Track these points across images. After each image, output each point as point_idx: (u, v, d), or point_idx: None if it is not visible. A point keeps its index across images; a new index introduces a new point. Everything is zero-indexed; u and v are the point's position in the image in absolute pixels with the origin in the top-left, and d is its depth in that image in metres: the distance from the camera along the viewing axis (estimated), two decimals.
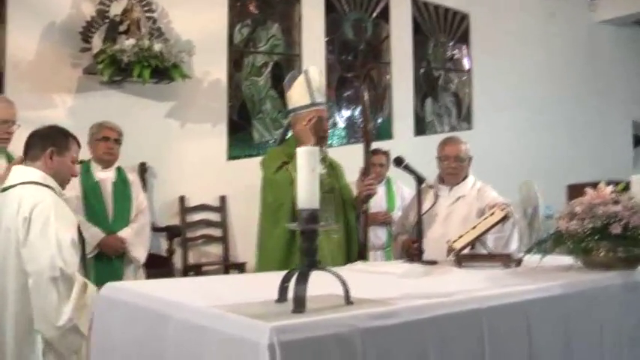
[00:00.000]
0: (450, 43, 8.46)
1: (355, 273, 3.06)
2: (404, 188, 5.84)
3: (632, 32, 10.02)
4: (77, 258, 3.14)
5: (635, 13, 9.32)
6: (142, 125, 6.17)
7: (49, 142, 3.28)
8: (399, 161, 3.87)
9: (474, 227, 3.47)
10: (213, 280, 3.32)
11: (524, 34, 8.74)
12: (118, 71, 5.88)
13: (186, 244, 6.61)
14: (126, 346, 2.41)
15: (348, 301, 2.10)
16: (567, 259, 3.09)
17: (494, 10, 8.55)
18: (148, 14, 6.26)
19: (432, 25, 8.28)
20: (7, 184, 3.30)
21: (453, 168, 4.17)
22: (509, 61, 8.58)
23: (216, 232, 6.81)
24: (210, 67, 6.78)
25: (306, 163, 2.07)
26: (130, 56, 5.76)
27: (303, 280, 2.01)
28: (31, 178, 3.21)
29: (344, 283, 2.10)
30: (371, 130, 3.94)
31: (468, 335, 2.22)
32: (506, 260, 3.32)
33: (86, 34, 6.06)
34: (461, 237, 3.43)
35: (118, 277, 4.61)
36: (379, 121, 7.88)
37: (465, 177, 4.24)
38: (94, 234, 4.57)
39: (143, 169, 6.33)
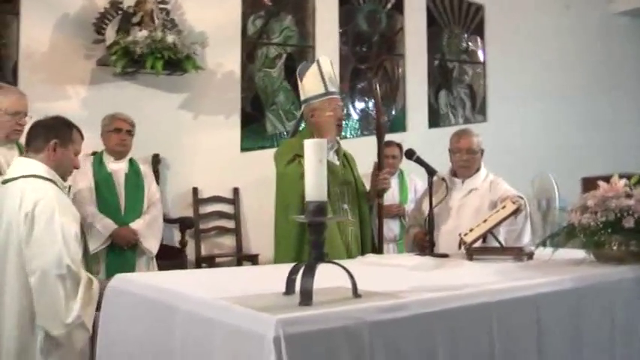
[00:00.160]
0: (465, 35, 8.39)
1: (366, 266, 3.06)
2: (417, 181, 5.82)
3: None
4: (81, 253, 3.12)
5: None
6: (155, 117, 6.18)
7: (53, 134, 3.23)
8: (410, 154, 3.87)
9: (486, 220, 3.45)
10: (223, 272, 3.33)
11: (540, 25, 8.66)
12: (131, 63, 5.88)
13: (199, 236, 6.62)
14: (133, 337, 2.42)
15: (356, 294, 2.10)
16: (580, 253, 3.07)
17: (510, 1, 8.46)
18: (161, 6, 6.24)
19: (446, 16, 8.22)
20: (8, 176, 3.25)
21: (465, 160, 4.14)
22: (525, 52, 8.50)
23: (229, 224, 6.82)
24: (223, 58, 6.77)
25: (313, 155, 2.06)
26: (142, 48, 5.76)
27: (310, 272, 2.00)
28: (34, 171, 3.15)
29: (351, 276, 2.09)
30: (384, 123, 3.91)
31: (477, 328, 2.21)
32: (518, 253, 3.30)
33: (99, 26, 6.05)
34: (472, 230, 3.41)
35: (131, 268, 4.61)
36: (393, 113, 7.84)
37: (478, 169, 4.21)
38: (107, 225, 4.58)
39: (156, 161, 6.34)
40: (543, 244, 3.19)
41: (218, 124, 6.75)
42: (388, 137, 5.91)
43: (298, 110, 4.78)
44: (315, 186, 2.06)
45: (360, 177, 4.10)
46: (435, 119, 8.10)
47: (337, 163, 3.90)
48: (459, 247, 3.46)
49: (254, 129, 7.02)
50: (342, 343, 1.87)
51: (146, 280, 2.61)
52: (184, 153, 6.54)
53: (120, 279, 2.68)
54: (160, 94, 6.40)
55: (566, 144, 8.56)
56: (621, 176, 3.16)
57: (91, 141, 4.95)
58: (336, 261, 2.16)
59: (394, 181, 5.75)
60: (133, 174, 4.87)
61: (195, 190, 6.63)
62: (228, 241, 6.82)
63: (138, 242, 4.68)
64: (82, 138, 3.40)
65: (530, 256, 3.26)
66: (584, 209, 3.03)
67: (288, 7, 7.24)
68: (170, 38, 5.90)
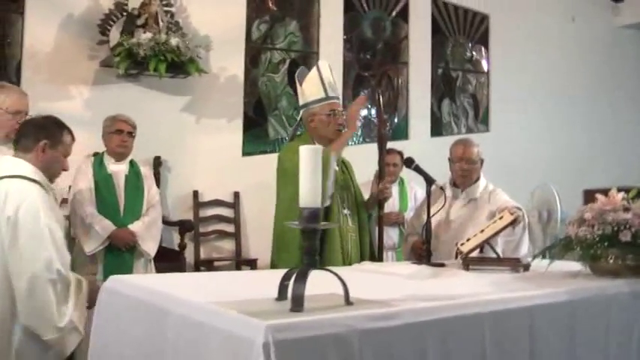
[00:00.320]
0: (469, 44, 8.39)
1: (361, 273, 3.07)
2: (417, 189, 5.82)
3: None
4: (69, 255, 3.07)
5: None
6: (157, 119, 6.20)
7: (43, 134, 3.16)
8: (409, 162, 3.87)
9: (482, 230, 3.44)
10: (218, 275, 3.32)
11: (545, 37, 8.66)
12: (134, 64, 5.90)
13: (199, 239, 6.62)
14: (126, 339, 2.42)
15: (347, 301, 2.09)
16: (576, 265, 3.05)
17: (515, 12, 8.47)
18: (166, 8, 6.27)
19: (451, 25, 8.23)
20: None
21: (465, 170, 4.13)
22: (529, 63, 8.50)
23: (229, 228, 6.82)
24: (227, 62, 6.78)
25: (308, 161, 2.06)
26: (146, 50, 5.78)
27: (302, 279, 2.00)
28: (20, 172, 3.05)
29: (344, 283, 2.09)
30: (385, 133, 3.90)
31: (469, 339, 2.20)
32: (515, 264, 3.29)
33: (104, 27, 6.08)
34: (469, 240, 3.40)
35: (128, 270, 4.61)
36: (395, 120, 7.85)
37: (477, 179, 4.20)
38: (105, 226, 4.58)
39: (158, 163, 6.35)
40: (543, 255, 3.18)
41: (220, 127, 6.76)
42: (390, 145, 5.91)
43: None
44: (309, 192, 2.06)
45: (358, 185, 4.09)
46: (438, 128, 8.10)
47: (336, 168, 3.89)
48: (456, 256, 3.45)
49: (256, 133, 7.03)
50: (332, 350, 1.87)
51: (140, 282, 2.61)
52: (186, 156, 6.55)
53: (114, 280, 2.68)
54: (163, 96, 6.41)
55: (569, 155, 8.56)
56: (620, 189, 3.15)
57: (93, 142, 5.00)
58: (329, 268, 2.15)
59: (394, 189, 5.74)
60: (133, 176, 4.87)
61: (195, 194, 6.64)
62: (227, 245, 6.83)
63: (136, 244, 4.68)
64: (73, 139, 3.31)
65: (527, 267, 3.25)
66: (582, 222, 3.02)
67: (293, 12, 7.25)
68: (174, 41, 5.92)
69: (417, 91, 7.96)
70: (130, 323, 2.41)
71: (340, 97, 4.34)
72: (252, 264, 6.58)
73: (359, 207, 3.98)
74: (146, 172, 5.01)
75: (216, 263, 6.54)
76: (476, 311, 2.23)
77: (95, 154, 4.88)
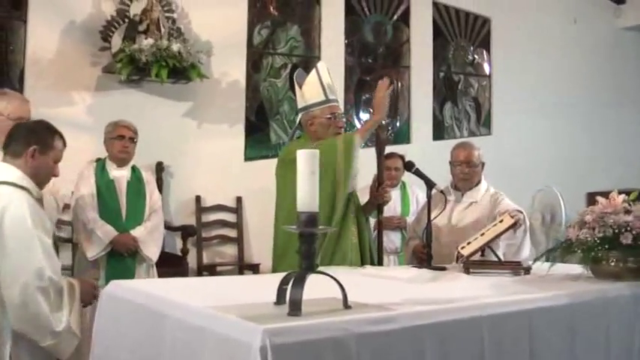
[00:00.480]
0: (471, 48, 8.41)
1: (362, 277, 3.07)
2: (419, 193, 5.80)
3: None
4: (59, 262, 2.98)
5: None
6: (159, 124, 6.21)
7: (33, 139, 3.04)
8: (409, 166, 3.87)
9: (483, 234, 3.44)
10: (218, 280, 3.32)
11: (546, 39, 8.66)
12: (136, 70, 5.93)
13: (201, 244, 6.63)
14: (126, 343, 2.43)
15: (346, 305, 2.09)
16: (578, 269, 3.05)
17: (517, 15, 8.48)
18: (167, 14, 6.29)
19: (452, 28, 8.24)
20: None
21: (466, 173, 4.13)
22: (531, 66, 8.50)
23: (232, 233, 6.83)
24: (228, 67, 6.80)
25: (305, 165, 2.06)
26: (147, 56, 5.80)
27: (299, 283, 2.00)
28: (7, 178, 2.95)
29: (342, 287, 2.09)
30: (384, 138, 3.88)
31: (467, 343, 2.19)
32: (516, 268, 3.29)
33: (106, 33, 6.10)
34: (469, 243, 3.40)
35: (131, 275, 4.61)
36: (397, 124, 7.86)
37: (478, 182, 4.20)
38: (107, 232, 4.58)
39: (160, 169, 6.37)
40: (547, 259, 3.17)
41: (222, 132, 6.78)
42: (392, 149, 5.92)
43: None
44: (306, 196, 2.07)
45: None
46: (440, 132, 8.11)
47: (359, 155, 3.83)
48: (456, 260, 3.44)
49: (258, 138, 7.05)
50: (329, 353, 1.87)
51: (139, 287, 2.62)
52: (188, 161, 6.56)
53: (115, 285, 2.69)
54: (165, 102, 6.43)
55: (572, 158, 8.55)
56: (621, 192, 3.15)
57: (95, 147, 5.01)
58: (327, 272, 2.15)
59: (396, 193, 5.75)
60: (135, 181, 4.87)
61: (198, 199, 6.66)
62: (230, 250, 6.84)
63: (138, 249, 4.68)
64: (65, 145, 3.21)
65: (528, 270, 3.24)
66: (582, 225, 3.02)
67: (294, 17, 7.27)
68: (175, 47, 5.94)
69: (418, 94, 7.97)
70: (130, 327, 2.41)
71: (340, 100, 4.32)
72: (254, 269, 6.59)
73: (357, 210, 3.97)
74: (148, 177, 5.01)
75: (218, 268, 6.55)
76: (474, 314, 2.23)
77: (97, 160, 4.88)
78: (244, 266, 6.67)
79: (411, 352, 2.04)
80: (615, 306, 2.73)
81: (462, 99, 8.34)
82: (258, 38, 7.09)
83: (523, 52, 8.49)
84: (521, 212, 3.72)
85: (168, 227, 6.04)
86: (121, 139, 4.79)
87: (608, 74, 9.25)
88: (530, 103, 8.47)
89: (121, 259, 4.65)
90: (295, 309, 1.95)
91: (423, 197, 5.30)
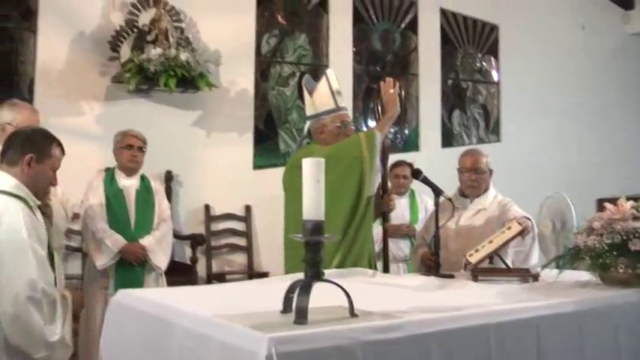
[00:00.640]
0: (479, 55, 8.41)
1: (369, 285, 3.06)
2: (428, 201, 5.78)
3: None
4: (52, 273, 2.91)
5: None
6: (168, 133, 6.24)
7: (30, 147, 2.98)
8: (417, 173, 3.86)
9: (491, 241, 3.42)
10: (226, 287, 3.31)
11: (555, 45, 8.65)
12: (144, 80, 5.97)
13: (211, 253, 6.64)
14: (134, 351, 2.44)
15: (352, 313, 2.09)
16: (587, 275, 3.04)
17: (525, 21, 8.48)
18: (176, 24, 6.33)
19: (460, 36, 8.25)
20: None
21: (473, 180, 4.11)
22: (539, 73, 8.49)
23: (241, 242, 6.84)
24: (237, 76, 6.83)
25: (311, 174, 2.07)
26: (156, 65, 5.84)
27: (305, 291, 2.01)
28: (2, 187, 2.89)
29: (348, 295, 2.09)
30: (388, 146, 3.86)
31: (474, 350, 2.19)
32: (524, 275, 3.28)
33: (115, 43, 6.14)
34: (477, 251, 3.39)
35: (140, 284, 4.63)
36: (406, 132, 7.86)
37: (486, 189, 4.18)
38: (116, 241, 4.60)
39: (169, 178, 6.39)
40: (556, 265, 3.16)
41: (231, 141, 6.80)
42: (400, 156, 5.93)
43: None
44: (312, 205, 2.07)
45: None
46: (448, 139, 8.11)
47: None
48: (465, 267, 3.43)
49: (267, 147, 7.06)
50: None
51: (147, 295, 2.63)
52: (197, 170, 6.58)
53: (123, 294, 2.70)
54: (174, 111, 6.46)
55: (581, 164, 8.52)
56: (629, 198, 3.14)
57: (104, 157, 5.04)
58: (333, 280, 2.15)
59: (405, 201, 5.75)
60: (144, 190, 4.90)
61: (207, 207, 6.67)
62: (239, 259, 6.85)
63: (147, 258, 4.70)
64: (63, 153, 3.14)
65: (536, 277, 3.23)
66: (590, 231, 3.01)
67: (303, 26, 7.30)
68: (183, 56, 5.98)
69: (427, 102, 7.97)
70: (137, 335, 2.43)
71: (348, 107, 4.31)
72: (264, 277, 6.58)
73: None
74: (157, 186, 5.03)
75: (228, 277, 6.55)
76: (481, 322, 2.22)
77: (106, 169, 4.91)
78: (253, 275, 6.67)
79: None
80: (624, 313, 2.72)
81: (470, 106, 8.33)
82: (266, 47, 7.12)
83: (531, 58, 8.48)
84: (530, 219, 3.71)
85: (178, 236, 6.06)
86: (129, 149, 4.82)
87: (616, 80, 9.23)
88: (539, 109, 8.45)
89: (130, 268, 4.67)
90: (301, 317, 1.96)
91: (431, 205, 5.27)
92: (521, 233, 3.47)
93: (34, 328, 2.75)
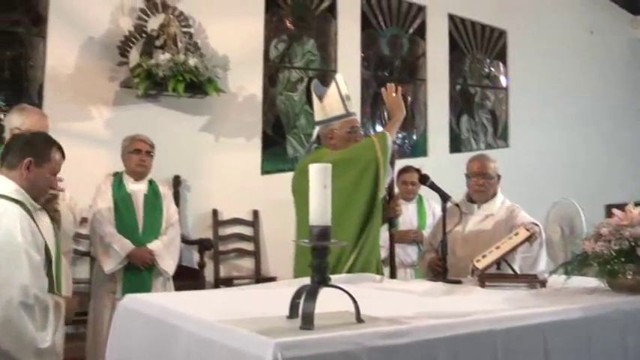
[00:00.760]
0: (487, 60, 8.40)
1: (377, 290, 3.05)
2: (435, 206, 5.77)
3: None
4: (47, 279, 2.88)
5: None
6: (176, 138, 6.25)
7: (29, 151, 2.97)
8: (424, 179, 3.85)
9: (498, 247, 3.41)
10: (233, 292, 3.30)
11: (563, 50, 8.63)
12: (153, 85, 5.99)
13: (218, 258, 6.65)
14: (140, 356, 2.44)
15: (358, 318, 2.09)
16: (594, 282, 3.02)
17: (533, 27, 8.46)
18: (184, 29, 6.35)
19: (469, 41, 8.24)
20: None
21: (481, 185, 4.10)
22: (547, 78, 8.47)
23: (249, 246, 6.85)
24: (245, 81, 6.85)
25: (318, 180, 2.07)
26: (165, 70, 5.87)
27: (312, 296, 2.01)
28: (1, 191, 2.88)
29: (354, 301, 2.09)
30: (395, 151, 3.86)
31: (481, 357, 2.18)
32: (532, 281, 3.27)
33: (124, 48, 6.17)
34: (485, 256, 3.38)
35: (147, 288, 4.63)
36: (414, 137, 7.85)
37: (494, 195, 4.17)
38: (124, 245, 4.62)
39: (177, 182, 6.41)
40: (565, 271, 3.15)
41: (239, 146, 6.81)
42: (408, 161, 5.93)
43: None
44: (319, 210, 2.07)
45: None
46: (457, 144, 8.10)
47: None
48: (472, 273, 3.42)
49: (275, 152, 7.07)
50: None
51: (154, 300, 2.63)
52: (205, 175, 6.60)
53: (130, 298, 2.71)
54: (182, 116, 6.48)
55: (590, 170, 8.50)
56: (638, 204, 3.12)
57: (113, 161, 5.06)
58: (340, 285, 2.15)
59: (413, 207, 5.74)
60: (152, 195, 4.91)
61: (215, 212, 6.68)
62: (247, 264, 6.85)
63: (154, 263, 4.71)
64: (64, 157, 3.12)
65: (544, 283, 3.22)
66: (598, 237, 3.00)
67: (311, 31, 7.31)
68: (192, 61, 6.00)
69: (435, 107, 7.96)
70: (144, 340, 2.43)
71: (357, 113, 4.31)
72: (271, 282, 6.57)
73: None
74: (165, 191, 5.04)
75: (235, 282, 6.55)
76: (488, 328, 2.21)
77: (115, 174, 4.93)
78: (261, 279, 6.66)
79: None
80: (632, 319, 2.71)
81: (478, 111, 8.32)
82: (274, 52, 7.13)
83: (539, 63, 8.47)
84: (538, 225, 3.70)
85: (185, 241, 6.07)
86: (137, 153, 4.83)
87: (625, 85, 9.20)
88: (547, 114, 8.43)
89: (138, 273, 4.68)
90: (307, 322, 1.96)
91: (439, 211, 5.27)
92: (529, 239, 3.47)
93: (25, 334, 2.72)
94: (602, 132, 8.87)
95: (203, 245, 6.35)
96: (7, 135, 3.87)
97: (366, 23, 7.62)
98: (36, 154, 2.98)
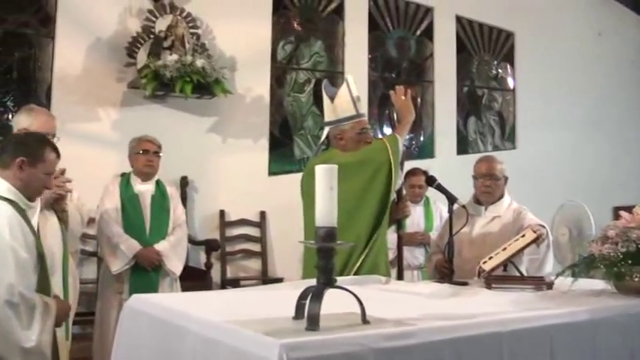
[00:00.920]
0: (495, 62, 8.39)
1: (383, 292, 3.05)
2: (442, 208, 5.75)
3: None
4: (35, 278, 2.90)
5: None
6: (184, 139, 6.27)
7: (22, 150, 2.99)
8: (431, 181, 3.85)
9: (505, 249, 3.41)
10: (239, 293, 3.30)
11: (571, 52, 8.61)
12: (160, 86, 6.01)
13: (225, 258, 6.66)
14: (146, 356, 2.44)
15: (364, 320, 2.09)
16: (601, 284, 3.01)
17: (540, 28, 8.44)
18: (192, 30, 6.37)
19: (476, 43, 8.23)
20: None
21: (487, 186, 4.10)
22: (555, 80, 8.45)
23: (255, 247, 6.86)
24: (252, 82, 6.86)
25: (324, 181, 2.07)
26: (172, 71, 5.88)
27: (317, 297, 2.01)
28: None
29: (360, 302, 2.09)
30: (404, 153, 3.85)
31: (487, 358, 2.17)
32: (538, 283, 3.26)
33: (131, 50, 6.19)
34: (491, 258, 3.38)
35: (154, 289, 4.64)
36: (421, 139, 7.85)
37: (501, 197, 4.17)
38: (131, 246, 4.63)
39: (184, 183, 6.42)
40: (572, 274, 3.14)
41: (246, 147, 6.82)
42: (416, 163, 5.92)
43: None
44: (325, 211, 2.07)
45: None
46: (464, 146, 8.09)
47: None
48: (478, 275, 3.42)
49: (282, 153, 7.08)
50: None
51: (160, 301, 2.64)
52: (212, 176, 6.61)
53: (136, 299, 2.71)
54: (189, 117, 6.49)
55: (597, 171, 8.47)
56: None
57: (121, 162, 5.07)
58: (346, 287, 2.15)
59: (420, 209, 5.74)
60: (160, 195, 4.92)
61: (222, 213, 6.69)
62: (253, 264, 6.86)
63: (161, 263, 4.71)
64: (59, 157, 3.13)
65: (550, 285, 3.21)
66: (605, 239, 2.99)
67: (318, 32, 7.32)
68: (199, 62, 6.01)
69: (442, 109, 7.96)
70: (150, 340, 2.43)
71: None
72: (278, 283, 6.58)
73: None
74: (172, 191, 5.05)
75: (242, 282, 6.55)
76: (494, 330, 2.21)
77: (122, 175, 4.94)
78: (268, 280, 6.67)
79: None
80: (639, 322, 2.69)
81: (485, 113, 8.31)
82: (282, 53, 7.15)
83: (547, 65, 8.44)
84: (544, 227, 3.69)
85: (192, 241, 6.08)
86: (145, 154, 4.85)
87: (632, 87, 9.17)
88: (555, 116, 8.41)
89: (145, 273, 4.69)
90: (313, 324, 1.96)
91: (446, 213, 5.27)
92: (536, 241, 3.46)
93: (12, 332, 2.73)
94: (610, 134, 8.84)
95: (210, 246, 6.36)
96: None
97: (373, 25, 7.62)
98: (29, 154, 3.00)
